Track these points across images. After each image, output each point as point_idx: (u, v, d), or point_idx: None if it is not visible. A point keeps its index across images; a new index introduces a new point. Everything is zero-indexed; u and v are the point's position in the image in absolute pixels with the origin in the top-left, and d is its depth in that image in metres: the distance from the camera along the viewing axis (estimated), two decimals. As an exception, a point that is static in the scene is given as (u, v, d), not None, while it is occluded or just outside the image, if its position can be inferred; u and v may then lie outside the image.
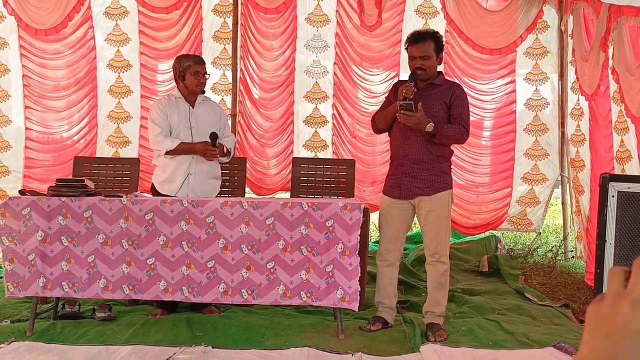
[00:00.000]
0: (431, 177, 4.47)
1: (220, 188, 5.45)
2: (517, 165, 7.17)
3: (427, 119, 4.30)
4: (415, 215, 4.64)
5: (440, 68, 6.97)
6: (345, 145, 7.04)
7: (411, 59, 4.48)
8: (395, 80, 6.90)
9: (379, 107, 6.97)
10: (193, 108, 4.95)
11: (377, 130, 4.78)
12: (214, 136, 4.80)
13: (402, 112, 4.27)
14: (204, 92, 5.00)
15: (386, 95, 4.86)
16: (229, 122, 5.32)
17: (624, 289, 0.72)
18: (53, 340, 4.26)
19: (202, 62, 4.96)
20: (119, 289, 4.38)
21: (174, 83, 6.88)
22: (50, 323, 4.57)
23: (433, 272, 4.56)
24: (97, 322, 4.60)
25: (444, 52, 4.57)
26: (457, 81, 7.01)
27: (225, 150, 4.94)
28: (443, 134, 4.35)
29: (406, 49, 4.56)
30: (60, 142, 6.99)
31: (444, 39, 4.66)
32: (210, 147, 4.79)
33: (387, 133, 4.74)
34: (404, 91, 4.32)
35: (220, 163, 5.10)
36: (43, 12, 6.75)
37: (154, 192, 5.02)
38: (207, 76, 4.96)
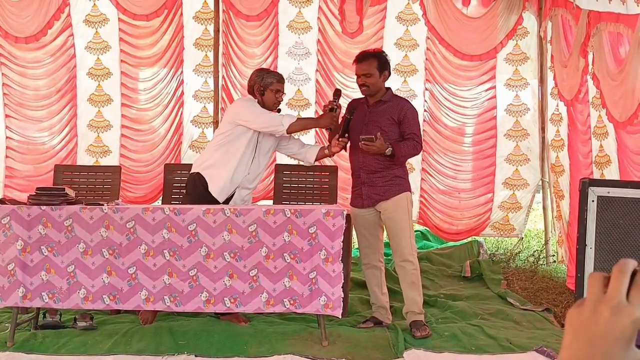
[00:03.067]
0: (387, 183, 4.76)
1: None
2: (498, 170, 7.21)
3: (385, 144, 4.59)
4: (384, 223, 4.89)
5: (421, 73, 7.09)
6: (328, 153, 7.03)
7: (357, 77, 4.85)
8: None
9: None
10: None
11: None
12: (338, 92, 4.88)
13: (363, 143, 4.58)
14: (279, 110, 5.00)
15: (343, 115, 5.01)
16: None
17: (603, 294, 0.73)
18: (34, 351, 4.22)
19: (284, 81, 5.04)
20: (100, 299, 4.34)
21: (155, 91, 6.92)
22: (31, 333, 4.52)
23: (403, 273, 4.76)
24: (79, 332, 4.56)
25: (388, 71, 4.84)
26: (437, 87, 7.08)
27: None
28: (400, 153, 4.69)
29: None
30: (41, 152, 6.92)
31: (389, 58, 4.95)
32: (335, 114, 4.79)
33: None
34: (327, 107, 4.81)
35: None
36: (23, 20, 6.70)
37: (199, 183, 4.88)
38: (284, 95, 5.02)
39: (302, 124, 4.86)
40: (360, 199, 4.83)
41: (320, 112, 7.03)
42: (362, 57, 4.84)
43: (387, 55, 4.96)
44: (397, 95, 5.12)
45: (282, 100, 4.99)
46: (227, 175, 4.80)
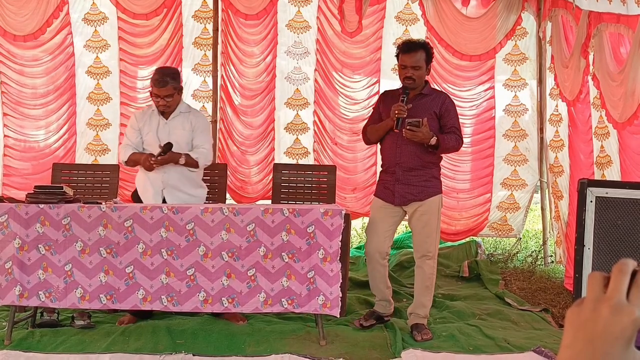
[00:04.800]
0: (423, 182, 4.60)
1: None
2: (496, 170, 7.20)
3: (430, 132, 4.41)
4: (408, 219, 4.78)
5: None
6: (327, 152, 7.04)
7: (402, 67, 4.56)
8: (376, 87, 6.92)
9: (359, 113, 6.98)
10: (167, 120, 4.90)
11: (369, 142, 4.94)
12: (167, 146, 4.70)
13: (408, 128, 4.36)
14: (163, 113, 4.88)
15: (373, 106, 4.96)
16: (208, 131, 5.18)
17: (603, 294, 0.72)
18: (31, 349, 4.21)
19: (162, 85, 4.74)
20: (96, 298, 4.33)
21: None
22: (28, 331, 4.52)
23: (421, 275, 4.65)
24: (76, 330, 4.55)
25: (431, 64, 4.69)
26: (436, 87, 7.07)
27: (182, 160, 4.79)
28: (444, 145, 4.51)
29: (396, 56, 4.65)
30: (39, 150, 6.91)
31: (433, 50, 4.73)
32: (150, 160, 4.70)
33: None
34: (396, 111, 4.42)
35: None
36: (21, 18, 6.69)
37: (137, 199, 5.04)
38: (167, 100, 4.77)
39: (134, 159, 4.85)
40: (392, 196, 4.64)
41: (319, 112, 7.05)
42: (412, 47, 4.56)
43: (432, 47, 4.75)
44: (435, 88, 4.83)
45: (161, 105, 4.79)
46: (144, 186, 4.94)
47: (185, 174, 4.92)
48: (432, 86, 6.98)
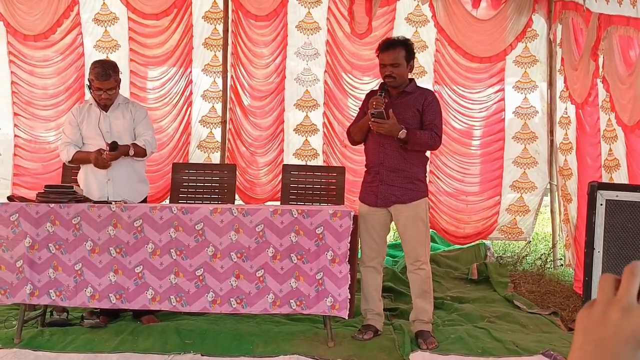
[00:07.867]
0: (407, 184, 4.52)
1: (210, 195, 5.44)
2: (505, 173, 7.17)
3: (399, 125, 4.35)
4: (395, 223, 4.70)
5: (429, 75, 7.07)
6: (336, 154, 7.03)
7: (381, 66, 4.55)
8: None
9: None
10: (107, 112, 4.90)
11: (354, 142, 4.87)
12: (112, 145, 4.69)
13: (373, 120, 4.33)
14: (105, 107, 4.89)
15: (359, 107, 4.91)
16: (148, 120, 5.14)
17: (614, 296, 0.72)
18: (41, 348, 4.23)
19: (105, 78, 4.75)
20: (106, 297, 4.35)
21: (164, 90, 6.93)
22: (38, 330, 4.54)
23: (416, 281, 4.59)
24: (86, 330, 4.57)
25: (414, 60, 4.63)
26: (445, 89, 7.06)
27: (131, 151, 4.79)
28: (415, 140, 4.41)
29: (377, 56, 4.62)
30: (49, 150, 6.94)
31: (414, 46, 4.69)
32: (101, 157, 4.68)
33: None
34: (373, 103, 4.37)
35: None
36: (32, 18, 6.72)
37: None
38: (110, 92, 4.80)
39: (80, 158, 4.82)
40: (375, 197, 4.58)
41: (329, 114, 7.05)
42: (390, 45, 4.52)
43: (413, 43, 4.69)
44: (420, 86, 4.81)
45: (104, 98, 4.80)
46: (87, 179, 4.89)
47: (132, 166, 4.92)
48: (441, 86, 7.09)
